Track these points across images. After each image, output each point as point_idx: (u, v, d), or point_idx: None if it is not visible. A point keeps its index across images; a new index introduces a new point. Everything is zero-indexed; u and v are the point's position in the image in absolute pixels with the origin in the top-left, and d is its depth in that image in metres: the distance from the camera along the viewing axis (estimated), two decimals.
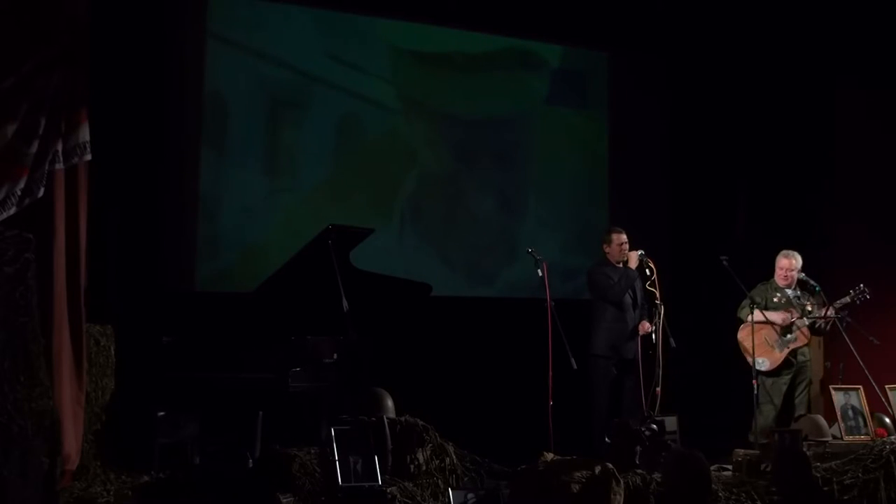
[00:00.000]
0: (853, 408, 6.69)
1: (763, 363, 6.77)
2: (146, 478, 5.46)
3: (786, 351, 6.83)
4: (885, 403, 6.72)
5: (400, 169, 8.08)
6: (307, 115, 7.70)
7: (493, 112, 8.41)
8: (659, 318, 6.58)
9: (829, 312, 6.83)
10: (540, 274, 6.22)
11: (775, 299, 6.89)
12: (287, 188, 7.62)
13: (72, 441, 5.11)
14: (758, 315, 6.75)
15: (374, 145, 7.95)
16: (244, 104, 7.46)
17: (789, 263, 6.97)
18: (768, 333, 6.82)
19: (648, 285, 6.71)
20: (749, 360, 6.82)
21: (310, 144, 7.70)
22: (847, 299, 6.85)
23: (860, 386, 6.75)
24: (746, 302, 6.90)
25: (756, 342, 6.74)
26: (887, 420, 6.74)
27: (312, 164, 7.71)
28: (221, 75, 7.40)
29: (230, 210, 7.39)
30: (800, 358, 6.91)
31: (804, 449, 5.84)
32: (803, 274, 6.92)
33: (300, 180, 7.67)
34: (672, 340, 6.55)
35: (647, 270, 6.72)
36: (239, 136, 7.44)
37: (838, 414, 6.66)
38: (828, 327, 7.00)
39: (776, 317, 6.78)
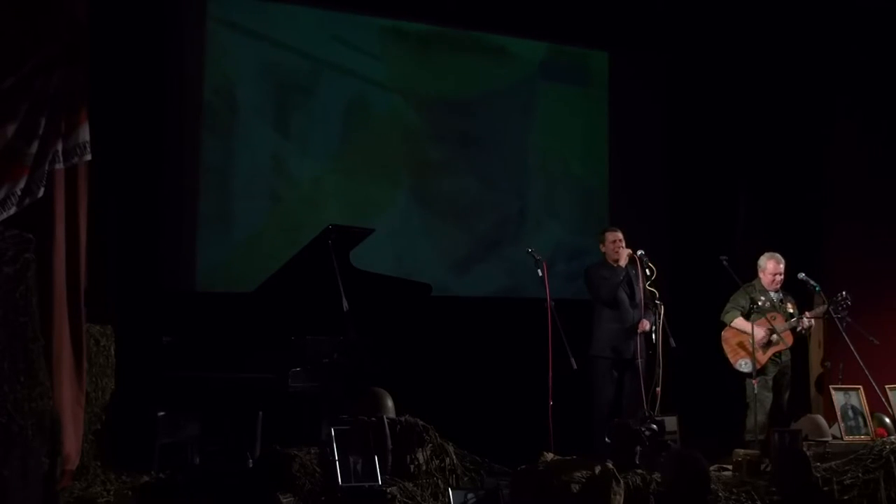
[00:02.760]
0: (853, 408, 6.70)
1: (746, 365, 6.77)
2: (146, 478, 5.47)
3: (769, 353, 6.83)
4: (885, 403, 6.73)
5: (405, 157, 8.08)
6: (312, 102, 7.68)
7: (496, 113, 8.41)
8: (659, 317, 6.58)
9: (805, 321, 6.84)
10: (540, 274, 6.22)
11: (759, 303, 6.85)
12: (287, 188, 7.62)
13: (72, 441, 5.12)
14: (741, 324, 6.78)
15: (379, 133, 7.92)
16: (245, 103, 7.45)
17: (777, 267, 6.94)
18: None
19: (648, 285, 6.71)
20: (731, 360, 6.85)
21: (312, 138, 7.71)
22: (821, 310, 6.87)
23: (860, 386, 6.76)
24: (730, 306, 6.92)
25: (739, 345, 6.77)
26: (887, 420, 6.74)
27: (313, 162, 7.71)
28: (222, 72, 7.40)
29: (230, 210, 7.39)
30: (783, 358, 6.92)
31: (804, 449, 5.84)
32: (803, 274, 6.91)
33: (301, 180, 7.67)
34: (672, 340, 6.53)
35: (647, 270, 6.72)
36: (239, 137, 7.44)
37: (838, 414, 6.67)
38: (808, 332, 7.04)
39: (757, 332, 6.68)
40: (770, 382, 6.85)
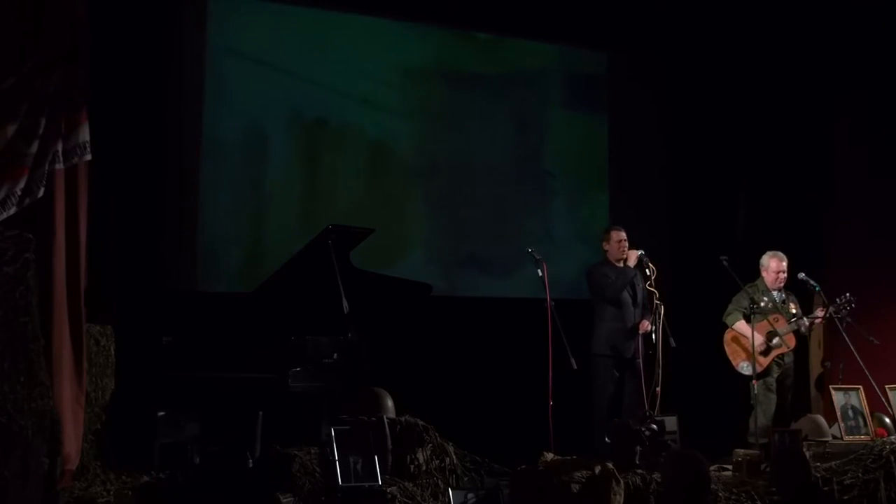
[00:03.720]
0: (853, 408, 6.70)
1: (747, 368, 6.75)
2: (146, 478, 5.47)
3: (771, 356, 6.81)
4: (885, 403, 6.73)
5: (406, 172, 8.09)
6: (308, 116, 7.70)
7: (498, 114, 8.42)
8: (659, 317, 6.57)
9: (806, 323, 6.83)
10: (540, 274, 6.21)
11: (762, 304, 6.81)
12: (287, 187, 7.62)
13: (72, 441, 5.11)
14: (742, 327, 6.77)
15: (376, 147, 7.94)
16: (245, 103, 7.45)
17: (780, 265, 6.92)
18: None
19: (648, 285, 6.71)
20: (733, 363, 6.84)
21: (312, 144, 7.71)
22: (820, 312, 6.87)
23: (860, 386, 6.76)
24: (732, 307, 6.91)
25: (740, 347, 6.76)
26: (887, 420, 6.75)
27: (314, 164, 7.71)
28: (222, 73, 7.40)
29: (230, 210, 7.40)
30: (786, 360, 6.91)
31: (804, 449, 5.84)
32: (803, 273, 6.91)
33: (300, 179, 7.67)
34: (672, 340, 6.53)
35: (647, 270, 6.72)
36: (239, 136, 7.44)
37: (838, 414, 6.67)
38: (810, 332, 7.03)
39: (757, 336, 6.63)
40: (773, 384, 6.83)
